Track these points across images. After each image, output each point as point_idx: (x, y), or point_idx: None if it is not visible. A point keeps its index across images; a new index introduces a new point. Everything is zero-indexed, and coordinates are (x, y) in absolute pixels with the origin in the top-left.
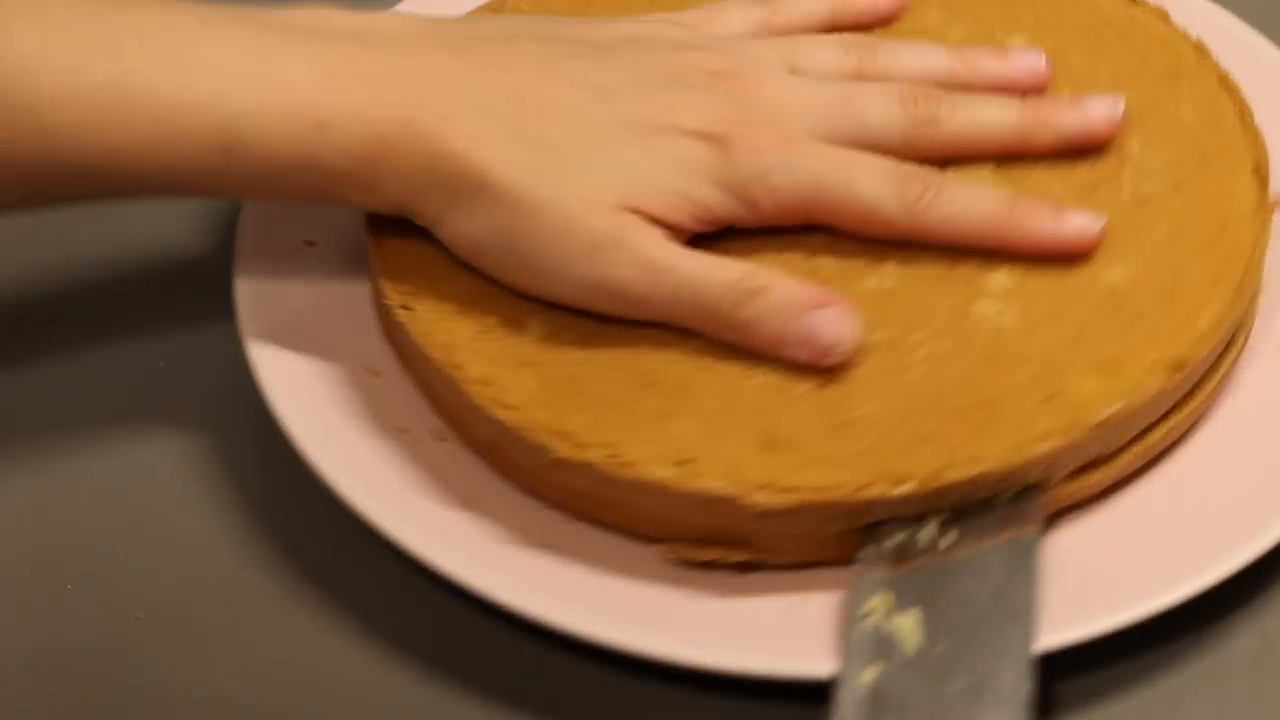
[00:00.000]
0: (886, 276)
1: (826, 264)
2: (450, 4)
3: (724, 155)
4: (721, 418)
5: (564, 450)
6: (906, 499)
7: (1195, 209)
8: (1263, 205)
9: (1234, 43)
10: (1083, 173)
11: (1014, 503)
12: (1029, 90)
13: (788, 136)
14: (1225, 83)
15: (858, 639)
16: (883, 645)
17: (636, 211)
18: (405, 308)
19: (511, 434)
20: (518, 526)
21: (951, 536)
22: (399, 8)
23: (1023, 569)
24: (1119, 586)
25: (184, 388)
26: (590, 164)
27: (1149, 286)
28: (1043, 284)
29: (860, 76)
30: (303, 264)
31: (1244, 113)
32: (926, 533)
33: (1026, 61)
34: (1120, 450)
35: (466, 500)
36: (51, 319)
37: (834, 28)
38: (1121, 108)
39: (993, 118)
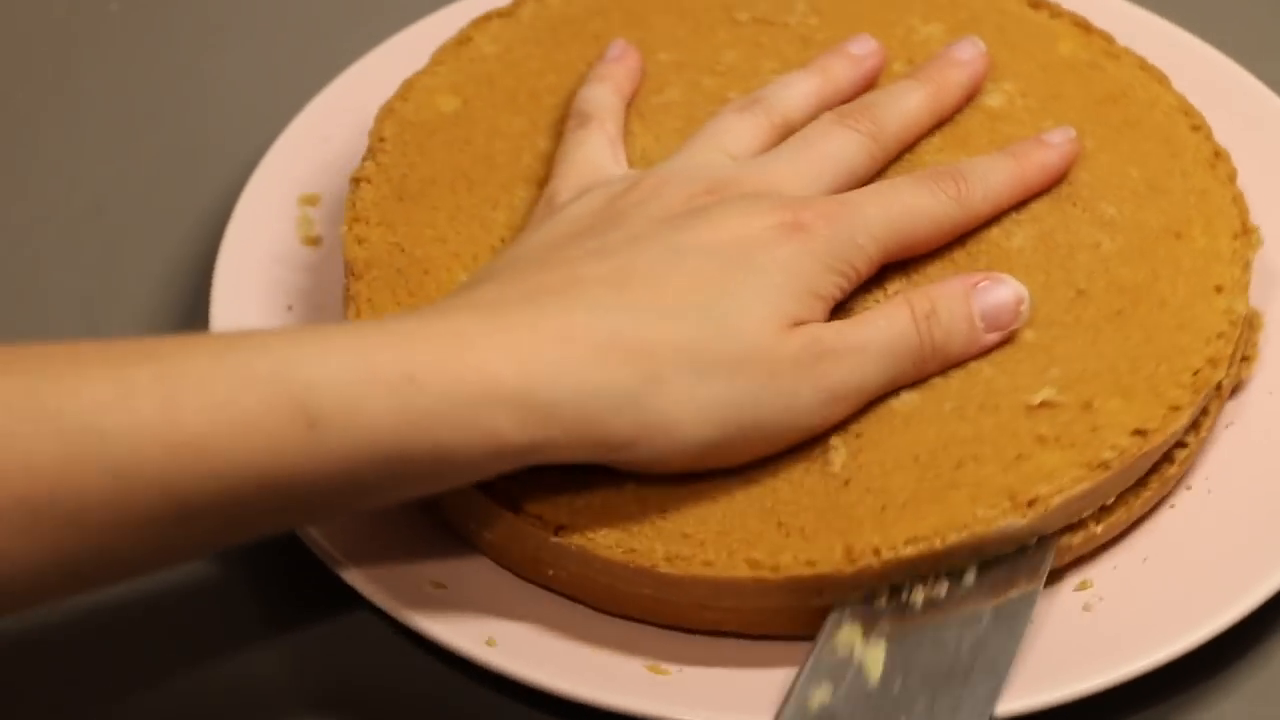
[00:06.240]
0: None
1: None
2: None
3: (810, 241)
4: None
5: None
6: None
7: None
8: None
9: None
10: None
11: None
12: (872, 69)
13: (831, 201)
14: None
15: (819, 661)
16: (843, 670)
17: (795, 323)
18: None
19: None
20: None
21: (946, 588)
22: (368, 58)
23: (1013, 625)
24: (1100, 647)
25: None
26: (733, 305)
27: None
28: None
29: (776, 132)
30: None
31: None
32: (920, 591)
33: (859, 48)
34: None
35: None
36: None
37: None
38: (981, 45)
39: (911, 99)
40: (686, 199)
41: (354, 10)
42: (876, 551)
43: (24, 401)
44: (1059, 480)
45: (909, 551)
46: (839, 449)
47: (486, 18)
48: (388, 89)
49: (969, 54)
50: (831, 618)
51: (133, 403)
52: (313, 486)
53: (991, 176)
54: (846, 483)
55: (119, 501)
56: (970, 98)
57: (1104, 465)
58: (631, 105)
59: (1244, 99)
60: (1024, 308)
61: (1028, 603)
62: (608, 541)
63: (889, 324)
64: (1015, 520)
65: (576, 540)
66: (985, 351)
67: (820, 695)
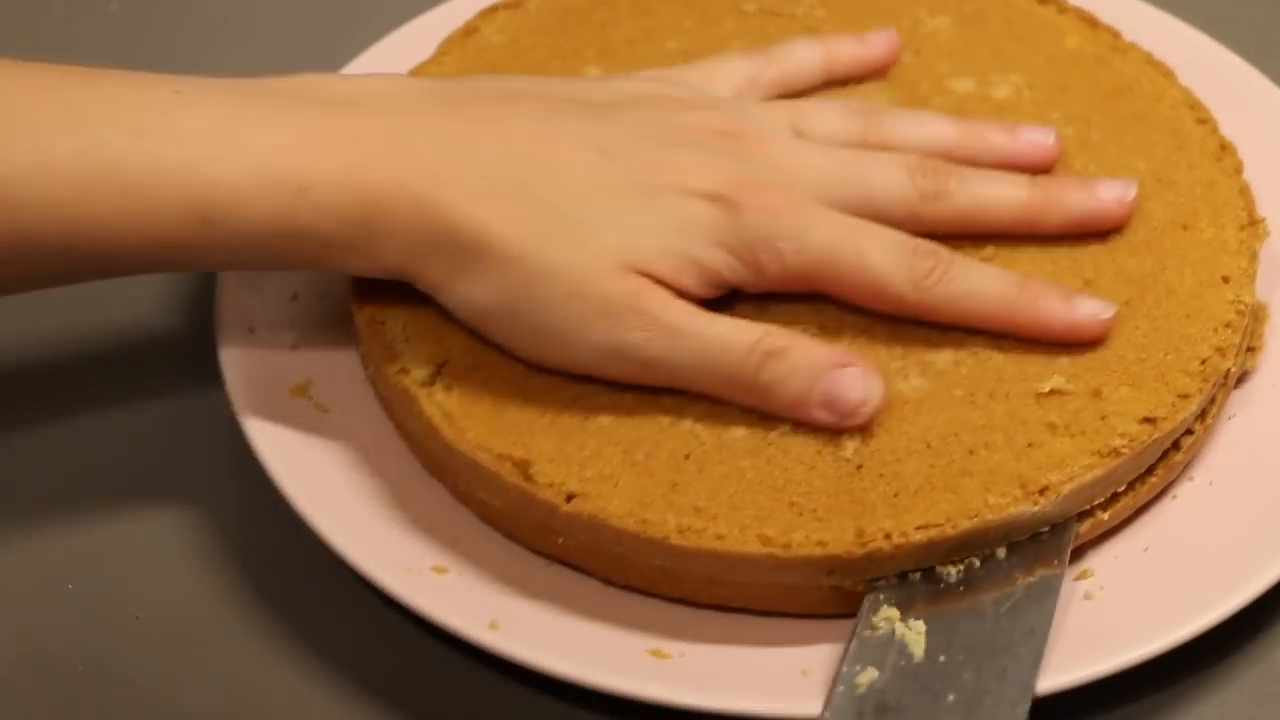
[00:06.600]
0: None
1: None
2: (421, 40)
3: (731, 217)
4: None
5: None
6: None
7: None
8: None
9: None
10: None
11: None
12: (1036, 167)
13: (797, 201)
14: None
15: (862, 642)
16: (885, 650)
17: (644, 274)
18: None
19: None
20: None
21: (979, 563)
22: (370, 52)
23: (1045, 594)
24: (1121, 628)
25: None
26: (596, 225)
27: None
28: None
29: (866, 144)
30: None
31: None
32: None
33: (1034, 137)
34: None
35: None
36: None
37: (829, 80)
38: (1134, 192)
39: (1002, 195)
40: (696, 126)
41: (360, 4)
42: (888, 536)
43: None
44: (1070, 468)
45: (920, 537)
46: (851, 434)
47: (494, 9)
48: None
49: (1112, 195)
50: (867, 601)
51: (50, 178)
52: (193, 261)
53: (980, 288)
54: (859, 468)
55: (7, 252)
56: (1076, 234)
57: (1115, 453)
58: None
59: (1250, 94)
60: (866, 409)
61: (1055, 578)
62: (620, 511)
63: (727, 335)
64: (1027, 508)
65: (589, 509)
66: (801, 420)
67: (867, 676)
